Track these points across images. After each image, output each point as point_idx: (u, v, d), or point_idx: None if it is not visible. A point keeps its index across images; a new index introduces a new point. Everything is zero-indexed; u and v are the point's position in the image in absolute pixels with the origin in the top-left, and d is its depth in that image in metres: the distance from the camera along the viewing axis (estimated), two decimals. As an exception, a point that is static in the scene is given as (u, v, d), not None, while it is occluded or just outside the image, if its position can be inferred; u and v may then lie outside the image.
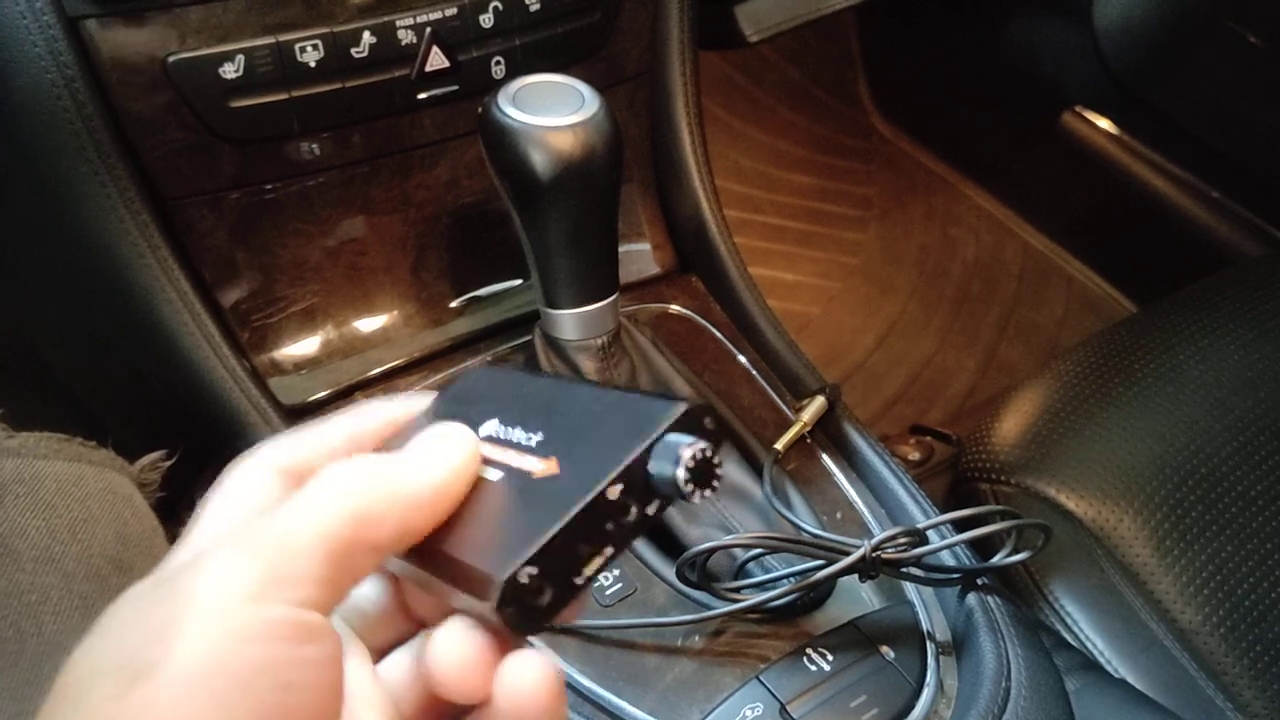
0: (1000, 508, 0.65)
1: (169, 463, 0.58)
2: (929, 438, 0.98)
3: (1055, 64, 1.45)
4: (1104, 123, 1.41)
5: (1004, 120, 1.56)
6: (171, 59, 0.59)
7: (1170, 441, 0.84)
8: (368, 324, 0.70)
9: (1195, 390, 0.87)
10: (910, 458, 0.95)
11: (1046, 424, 0.85)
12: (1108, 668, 0.71)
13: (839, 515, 0.64)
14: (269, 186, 0.65)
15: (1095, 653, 0.72)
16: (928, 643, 0.57)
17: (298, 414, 0.66)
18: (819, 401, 0.68)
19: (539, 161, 0.58)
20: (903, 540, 0.55)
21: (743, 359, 0.73)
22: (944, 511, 0.60)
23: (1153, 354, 0.89)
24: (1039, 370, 0.91)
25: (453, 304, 0.73)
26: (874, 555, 0.54)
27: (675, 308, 0.76)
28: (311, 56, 0.61)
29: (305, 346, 0.69)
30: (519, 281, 0.74)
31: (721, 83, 1.62)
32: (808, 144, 1.66)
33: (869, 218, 1.59)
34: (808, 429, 0.67)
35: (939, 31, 1.60)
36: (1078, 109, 1.42)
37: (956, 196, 1.61)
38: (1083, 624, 0.73)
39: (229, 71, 0.60)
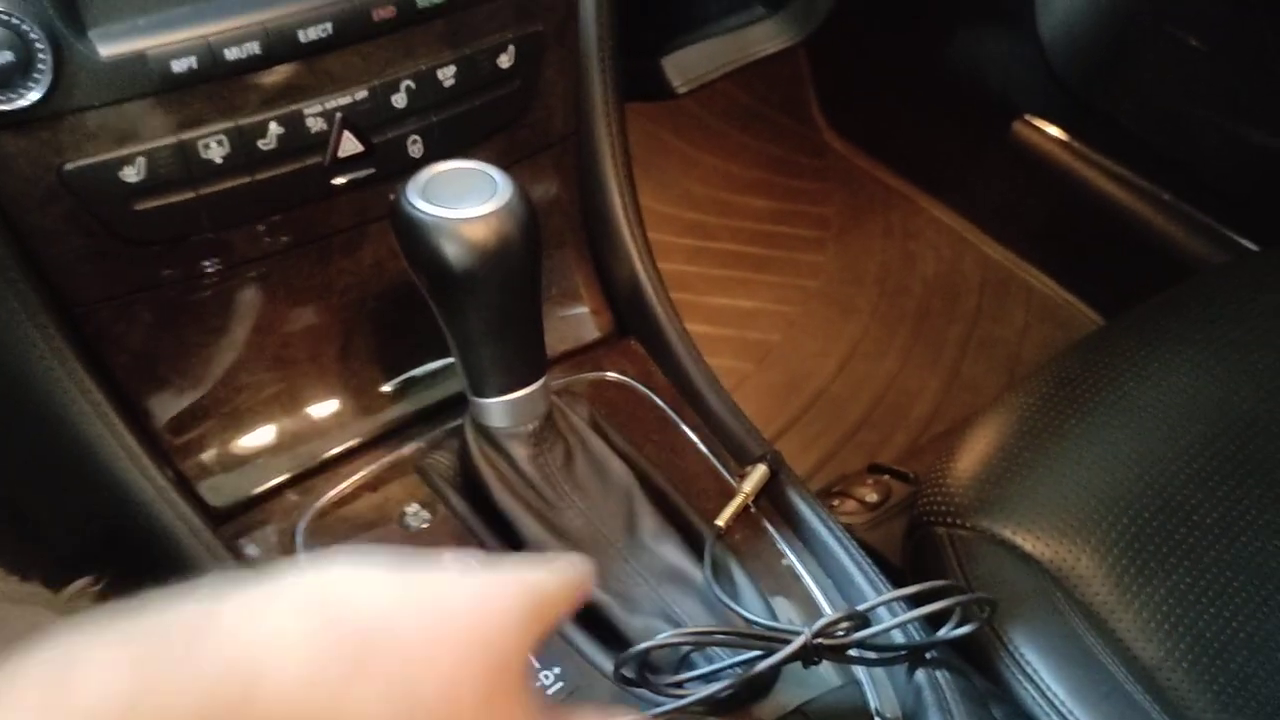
0: (946, 582, 0.64)
1: (98, 586, 0.56)
2: (887, 476, 0.97)
3: (1003, 74, 1.45)
4: (1054, 130, 1.41)
5: (956, 132, 1.56)
6: (68, 167, 0.57)
7: (1123, 473, 0.83)
8: (298, 417, 0.69)
9: (1146, 418, 0.86)
10: (867, 499, 0.94)
11: (1000, 462, 0.84)
12: (1070, 718, 0.70)
13: (784, 589, 0.63)
14: (184, 285, 0.63)
15: (1058, 703, 0.71)
16: (877, 723, 0.56)
17: (227, 516, 0.65)
18: (761, 470, 0.67)
19: (453, 254, 0.56)
20: (845, 624, 0.54)
21: (684, 426, 0.71)
22: (900, 561, 0.59)
23: (1102, 383, 0.89)
24: (993, 403, 0.90)
25: (383, 388, 0.71)
26: (815, 642, 0.53)
27: (613, 375, 0.75)
28: (217, 152, 0.60)
29: (234, 446, 0.67)
30: (451, 360, 0.73)
31: (671, 109, 1.61)
32: (762, 166, 1.65)
33: (827, 238, 1.59)
34: (750, 500, 0.66)
35: (888, 47, 1.60)
36: (1027, 117, 1.42)
37: (914, 211, 1.61)
38: (1043, 673, 0.72)
39: (130, 175, 0.58)
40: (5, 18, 0.52)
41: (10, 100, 0.54)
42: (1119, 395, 0.89)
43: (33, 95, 0.54)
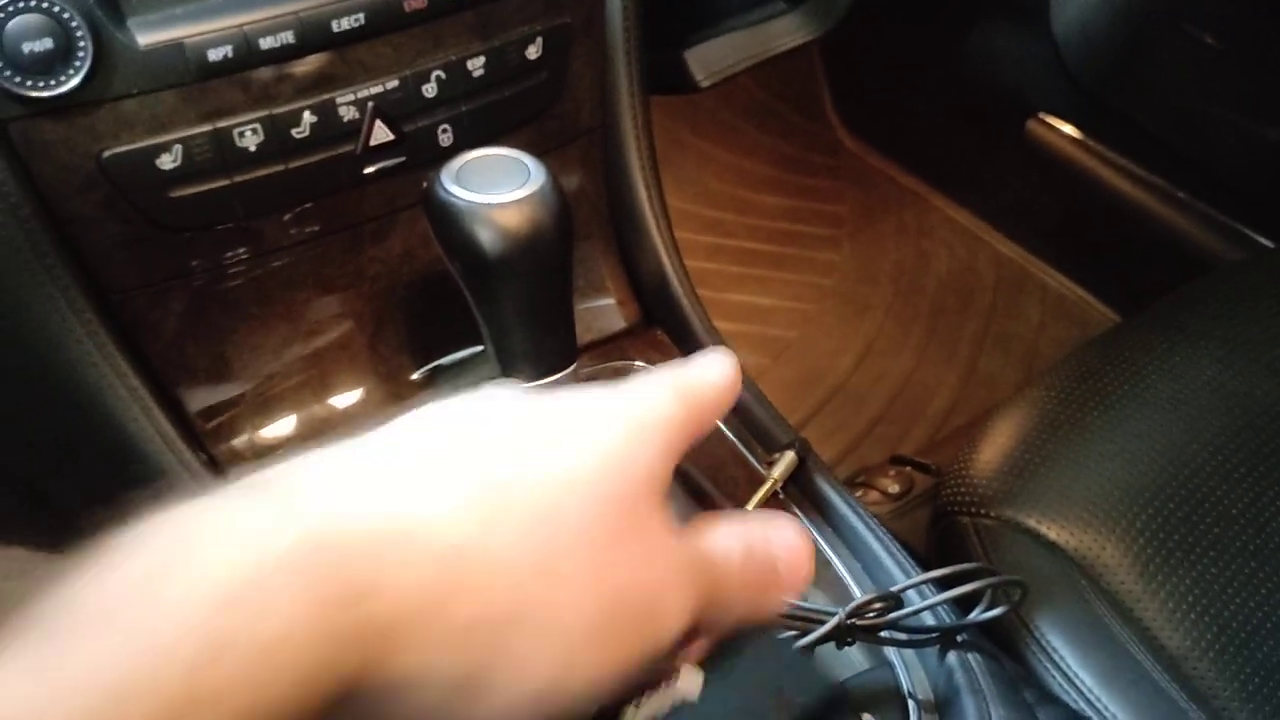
0: (976, 565, 0.64)
1: None
2: (909, 468, 0.97)
3: (1018, 72, 1.45)
4: (1069, 128, 1.41)
5: (970, 130, 1.56)
6: (106, 154, 0.57)
7: (1147, 464, 0.83)
8: (328, 405, 0.69)
9: (1168, 411, 0.86)
10: (890, 490, 0.94)
11: (1024, 453, 0.85)
12: (1097, 705, 0.70)
13: (814, 574, 0.63)
14: (218, 273, 0.64)
15: (1085, 689, 0.71)
16: (910, 704, 0.56)
17: (260, 502, 0.65)
18: (789, 457, 0.67)
19: (486, 239, 0.57)
20: (878, 605, 0.54)
21: None
22: (924, 550, 0.59)
23: (1124, 376, 0.89)
24: (1014, 396, 0.91)
25: (414, 376, 0.72)
26: (849, 622, 0.53)
27: (640, 364, 0.75)
28: (251, 140, 0.60)
29: (266, 432, 0.68)
30: (480, 348, 0.73)
31: (689, 106, 1.62)
32: (776, 163, 1.66)
33: (841, 236, 1.59)
34: (779, 486, 0.66)
35: (902, 45, 1.60)
36: (1042, 116, 1.42)
37: (927, 209, 1.61)
38: (1070, 661, 0.72)
39: (166, 162, 0.59)
40: (46, 6, 0.53)
41: (50, 87, 0.54)
42: (1141, 388, 0.89)
43: (72, 82, 0.55)
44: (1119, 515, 0.80)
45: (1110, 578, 0.77)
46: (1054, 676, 0.71)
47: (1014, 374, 1.41)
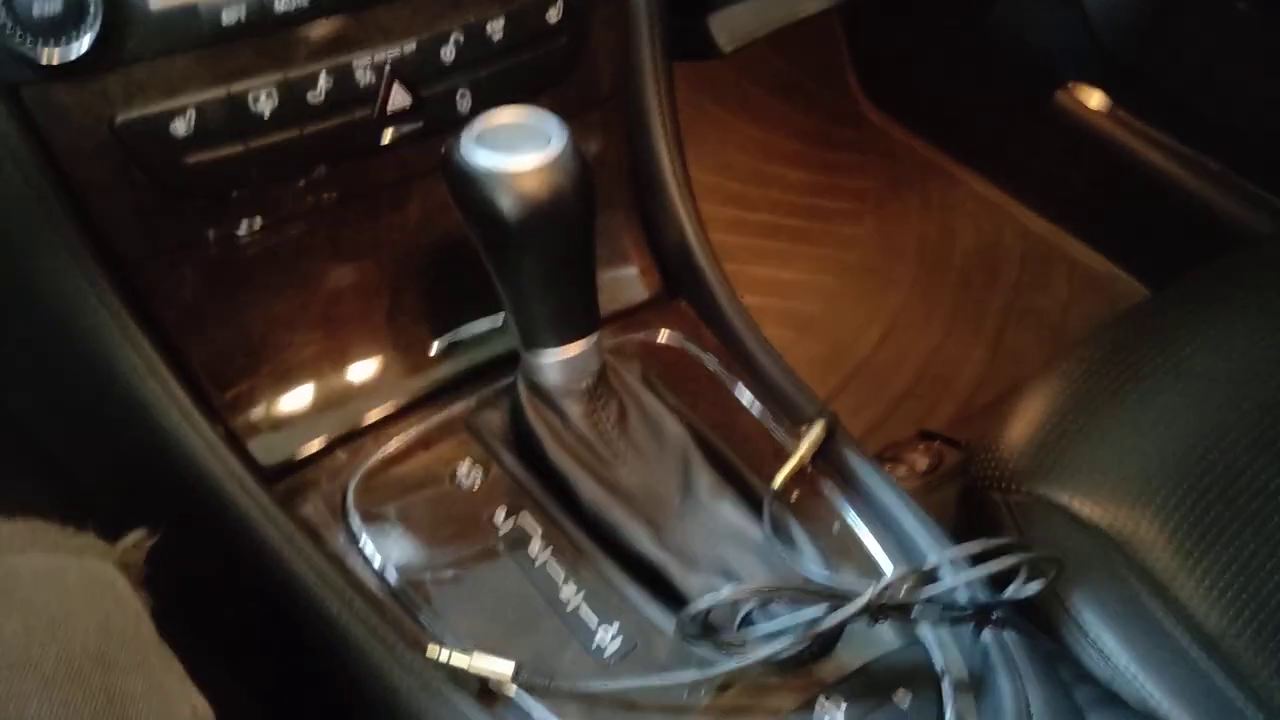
0: (1010, 540, 0.63)
1: (152, 540, 0.56)
2: (938, 443, 0.96)
3: (1044, 41, 1.42)
4: (1097, 98, 1.38)
5: (996, 102, 1.53)
6: (119, 119, 0.56)
7: (1183, 439, 0.81)
8: (347, 375, 0.68)
9: (1206, 383, 0.84)
10: (919, 465, 0.92)
11: (1055, 427, 0.83)
12: (1135, 682, 0.69)
13: (844, 548, 0.62)
14: (233, 241, 0.63)
15: (1121, 666, 0.69)
16: (944, 684, 0.55)
17: (278, 474, 0.64)
18: (817, 429, 0.65)
19: (506, 205, 0.55)
20: (910, 581, 0.53)
21: (737, 388, 0.70)
22: (954, 526, 0.58)
23: (1159, 348, 0.87)
24: (1043, 370, 0.89)
25: (433, 347, 0.71)
26: (881, 599, 0.52)
27: (665, 336, 0.73)
28: (266, 105, 0.59)
29: (283, 404, 0.67)
30: (500, 318, 0.72)
31: (709, 77, 1.60)
32: (799, 137, 1.63)
33: (865, 210, 1.57)
34: (807, 459, 0.65)
35: (926, 15, 1.58)
36: (1070, 86, 1.40)
37: (952, 183, 1.58)
38: (1106, 638, 0.70)
39: (180, 128, 0.57)
40: None
41: (61, 50, 0.53)
42: (1175, 361, 0.87)
43: (83, 45, 0.53)
44: (1154, 491, 0.78)
45: (1146, 555, 0.75)
46: (1090, 655, 0.69)
47: (1041, 349, 1.39)
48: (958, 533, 0.81)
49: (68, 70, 0.54)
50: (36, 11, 0.52)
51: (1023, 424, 0.84)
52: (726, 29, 0.88)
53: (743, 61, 1.59)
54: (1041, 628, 0.69)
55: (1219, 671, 0.70)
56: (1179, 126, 1.32)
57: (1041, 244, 1.50)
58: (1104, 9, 1.32)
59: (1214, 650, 0.71)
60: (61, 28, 0.53)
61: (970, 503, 0.82)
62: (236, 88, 0.58)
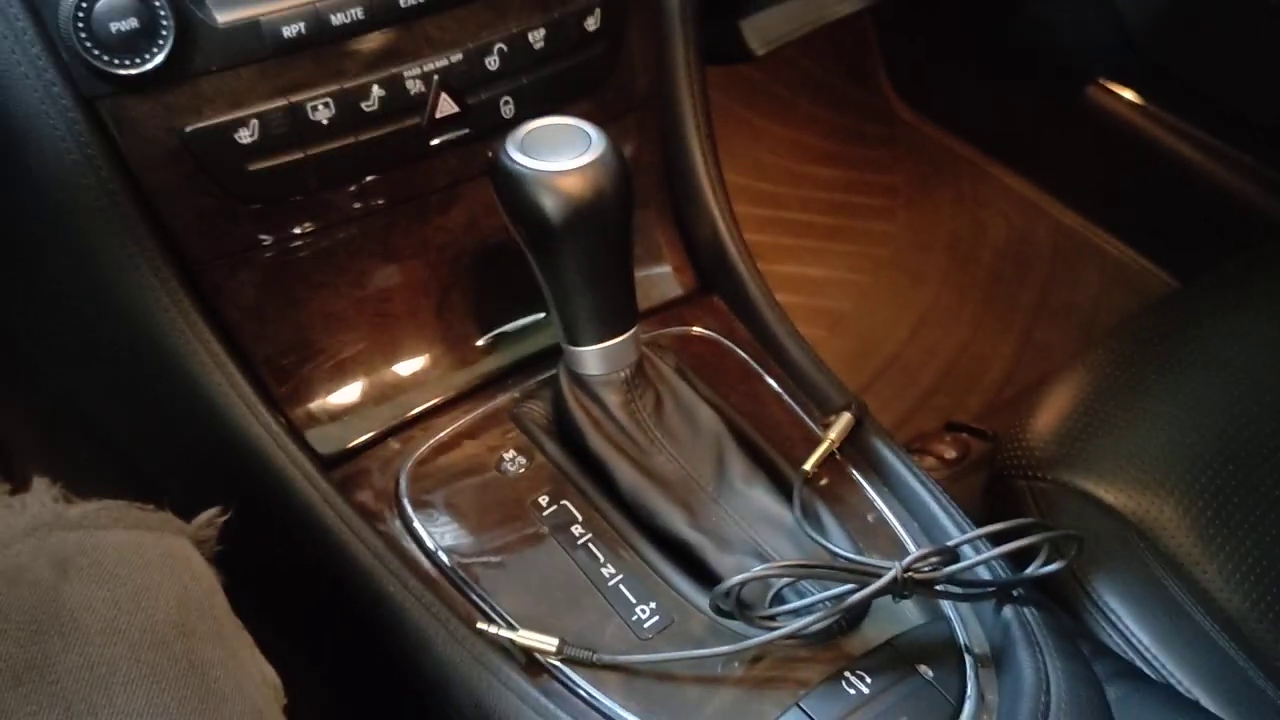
0: (1031, 520, 0.65)
1: (224, 518, 0.60)
2: (964, 434, 0.98)
3: (1075, 37, 1.43)
4: (1128, 94, 1.39)
5: (1027, 98, 1.54)
6: (188, 129, 0.60)
7: (1207, 426, 0.83)
8: (397, 369, 0.72)
9: (1231, 372, 0.86)
10: (946, 456, 0.95)
11: (1081, 417, 0.85)
12: (1155, 663, 0.71)
13: (871, 532, 0.64)
14: (291, 243, 0.67)
15: (1141, 649, 0.71)
16: (966, 658, 0.57)
17: (335, 463, 0.68)
18: (846, 418, 0.68)
19: (550, 206, 0.59)
20: (934, 559, 0.55)
21: (768, 378, 0.73)
22: (980, 511, 0.60)
23: (1185, 338, 0.88)
24: (1071, 361, 0.90)
25: (479, 342, 0.74)
26: (906, 576, 0.55)
27: (698, 329, 0.76)
28: (323, 114, 0.63)
29: (338, 396, 0.70)
30: (542, 315, 0.75)
31: (740, 80, 1.62)
32: (830, 135, 1.65)
33: (895, 206, 1.58)
34: (836, 446, 0.67)
35: (956, 12, 1.59)
36: (1101, 81, 1.40)
37: (983, 178, 1.59)
38: (1127, 620, 0.72)
39: (244, 136, 0.61)
40: None
41: (136, 65, 0.57)
42: (1202, 350, 0.88)
43: (156, 60, 0.57)
44: (1178, 477, 0.80)
45: (1168, 539, 0.77)
46: (1110, 634, 0.71)
47: (1071, 344, 1.40)
48: (982, 521, 0.83)
49: (141, 84, 0.58)
50: (114, 28, 0.56)
51: (1049, 413, 0.86)
52: (759, 32, 0.91)
53: (774, 64, 1.61)
54: (1063, 608, 0.71)
55: (1240, 653, 0.71)
56: (1210, 121, 1.32)
57: (1072, 239, 1.51)
58: (1136, 6, 1.33)
59: (1235, 632, 0.73)
60: (136, 44, 0.57)
61: (996, 490, 0.84)
62: (296, 98, 0.62)
